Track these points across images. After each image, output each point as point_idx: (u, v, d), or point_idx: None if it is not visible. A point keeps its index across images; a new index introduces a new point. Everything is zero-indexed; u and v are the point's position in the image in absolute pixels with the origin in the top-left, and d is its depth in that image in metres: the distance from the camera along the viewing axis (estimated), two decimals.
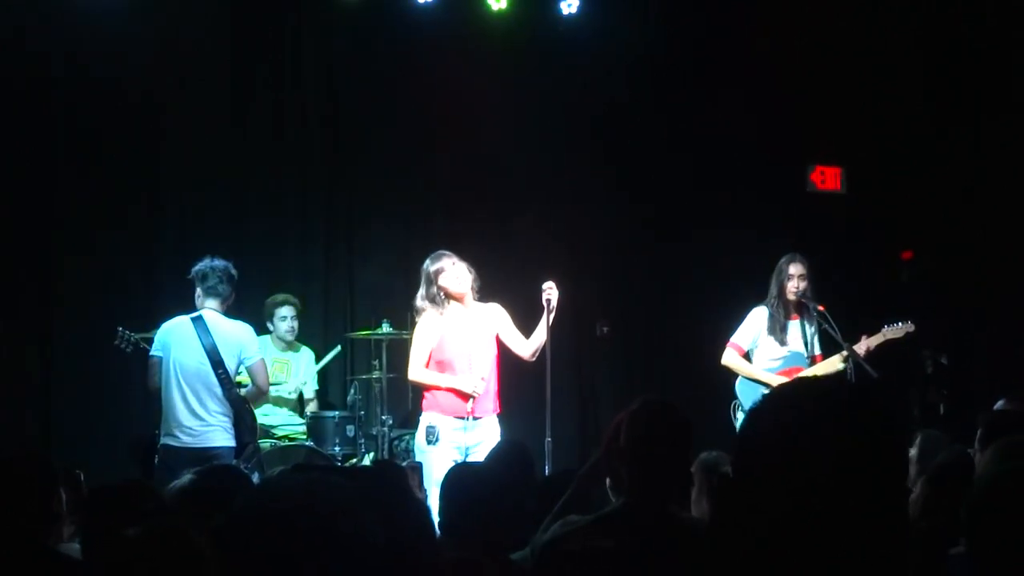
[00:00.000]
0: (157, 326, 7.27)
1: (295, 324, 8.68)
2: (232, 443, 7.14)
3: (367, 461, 7.95)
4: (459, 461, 6.62)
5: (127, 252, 8.84)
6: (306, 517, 1.56)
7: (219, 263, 7.21)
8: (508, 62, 9.60)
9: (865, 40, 9.72)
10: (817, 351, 7.95)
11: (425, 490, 5.89)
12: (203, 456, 6.63)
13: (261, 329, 8.29)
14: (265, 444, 7.87)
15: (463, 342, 7.18)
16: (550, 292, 7.19)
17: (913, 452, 5.54)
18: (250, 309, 8.17)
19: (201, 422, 7.06)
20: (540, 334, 7.25)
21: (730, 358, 7.95)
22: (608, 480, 3.91)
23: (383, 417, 8.04)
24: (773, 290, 7.90)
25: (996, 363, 9.22)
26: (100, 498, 3.73)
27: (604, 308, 9.62)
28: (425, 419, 7.13)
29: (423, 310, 7.20)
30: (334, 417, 8.35)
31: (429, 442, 7.01)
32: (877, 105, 9.80)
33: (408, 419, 8.20)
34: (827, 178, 10.12)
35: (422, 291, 7.21)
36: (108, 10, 8.64)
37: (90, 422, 8.52)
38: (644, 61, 9.78)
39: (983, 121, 9.76)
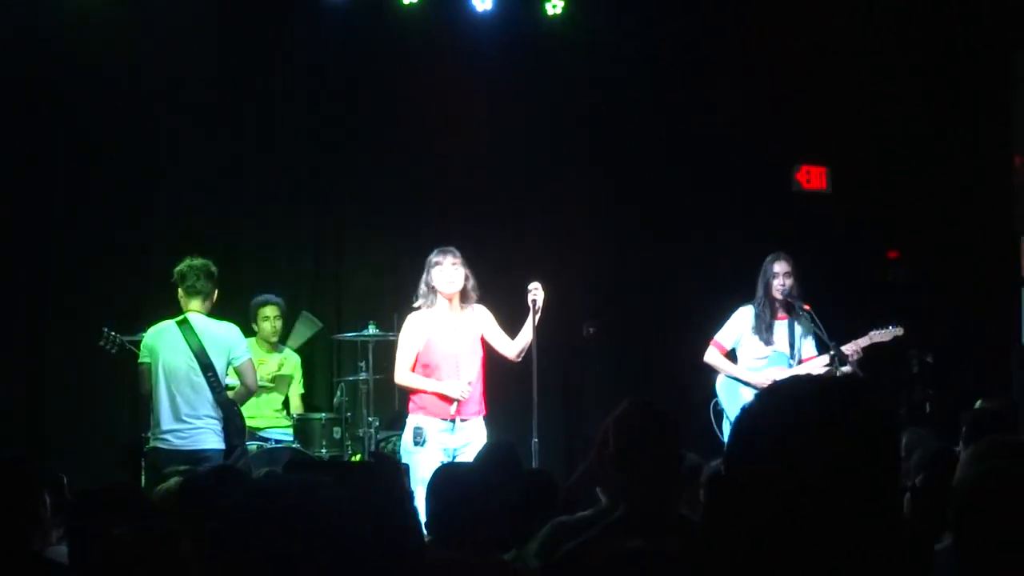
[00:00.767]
0: (145, 329, 7.26)
1: (278, 324, 8.68)
2: (222, 445, 7.13)
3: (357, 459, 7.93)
4: (445, 463, 6.62)
5: (115, 254, 8.83)
6: (303, 517, 1.56)
7: (198, 261, 7.20)
8: (494, 63, 9.60)
9: (851, 40, 9.74)
10: (808, 352, 7.94)
11: (412, 491, 5.89)
12: (192, 458, 6.63)
13: (247, 331, 8.28)
14: (252, 446, 7.86)
15: (449, 345, 7.19)
16: (536, 293, 7.21)
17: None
18: (238, 311, 8.16)
19: (190, 425, 7.05)
20: (526, 334, 7.27)
21: (712, 356, 7.96)
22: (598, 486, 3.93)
23: (370, 419, 8.03)
24: (759, 290, 7.91)
25: (982, 362, 9.25)
26: (87, 501, 3.72)
27: (590, 309, 9.62)
28: (411, 421, 7.14)
29: (416, 301, 7.22)
30: (320, 419, 8.34)
31: (416, 444, 7.02)
32: (863, 104, 9.82)
33: (395, 421, 8.20)
34: (812, 177, 10.13)
35: (422, 279, 7.25)
36: (96, 11, 8.63)
37: (78, 426, 8.51)
38: (628, 62, 9.78)
39: (975, 121, 9.78)
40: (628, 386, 9.20)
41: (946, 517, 3.58)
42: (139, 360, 7.17)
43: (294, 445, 8.16)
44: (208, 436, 7.08)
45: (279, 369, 8.72)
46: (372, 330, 8.11)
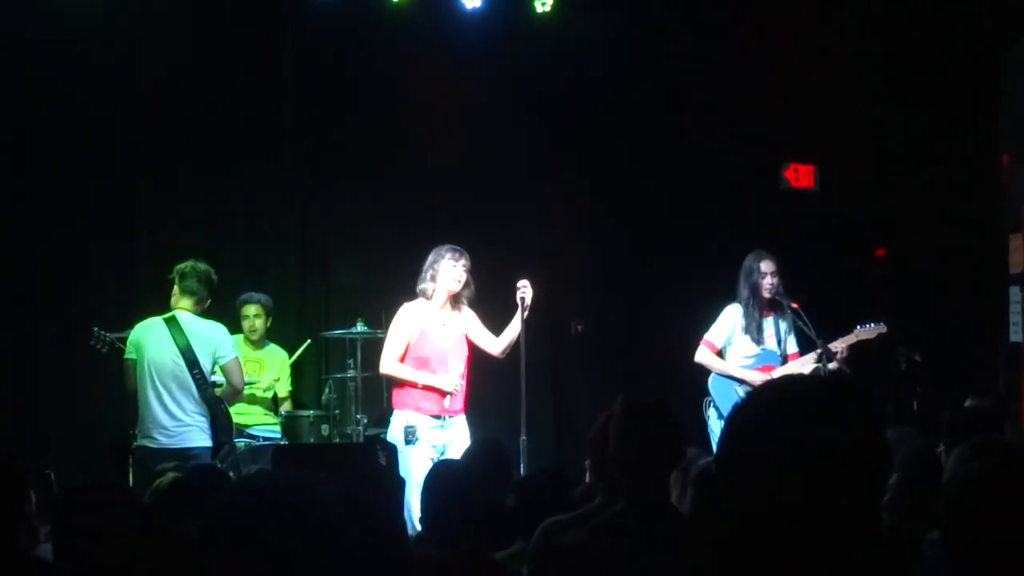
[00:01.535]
0: (133, 327, 7.25)
1: (258, 323, 8.66)
2: (209, 443, 7.13)
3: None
4: (435, 460, 6.62)
5: (104, 253, 8.85)
6: (294, 515, 1.55)
7: (202, 266, 7.27)
8: (483, 61, 9.59)
9: (840, 38, 9.75)
10: (792, 349, 7.98)
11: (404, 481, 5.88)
12: (180, 456, 6.62)
13: (234, 329, 8.28)
14: (240, 444, 7.85)
15: (440, 340, 7.21)
16: (524, 290, 7.23)
17: None
18: (226, 308, 8.15)
19: (178, 422, 7.05)
20: (512, 331, 7.29)
21: (703, 355, 7.97)
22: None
23: (358, 416, 8.02)
24: (744, 291, 7.90)
25: (970, 360, 9.26)
26: (72, 498, 3.70)
27: (579, 306, 9.62)
28: (400, 417, 7.14)
29: (419, 287, 7.25)
30: (309, 416, 8.33)
31: (408, 442, 7.01)
32: (851, 103, 9.82)
33: (383, 418, 8.18)
34: (800, 175, 10.14)
35: (427, 266, 7.28)
36: (81, 11, 8.59)
37: (65, 423, 8.50)
38: (616, 60, 9.78)
39: (964, 119, 9.79)
40: (616, 383, 9.17)
41: (929, 514, 3.60)
42: (125, 356, 7.16)
43: (282, 443, 8.15)
44: (195, 434, 7.08)
45: (265, 367, 8.70)
46: (360, 327, 8.10)
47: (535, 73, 9.69)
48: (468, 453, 5.77)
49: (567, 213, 9.74)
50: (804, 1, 9.73)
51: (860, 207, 9.78)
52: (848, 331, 7.89)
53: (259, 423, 8.49)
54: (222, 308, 7.91)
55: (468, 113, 9.43)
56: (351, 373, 8.20)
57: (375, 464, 3.82)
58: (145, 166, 9.00)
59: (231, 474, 6.44)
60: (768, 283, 7.83)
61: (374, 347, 7.84)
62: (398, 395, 7.23)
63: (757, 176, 9.99)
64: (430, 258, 7.29)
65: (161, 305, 7.32)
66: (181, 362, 7.08)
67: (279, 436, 8.30)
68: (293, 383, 8.96)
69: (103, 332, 7.48)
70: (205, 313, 7.31)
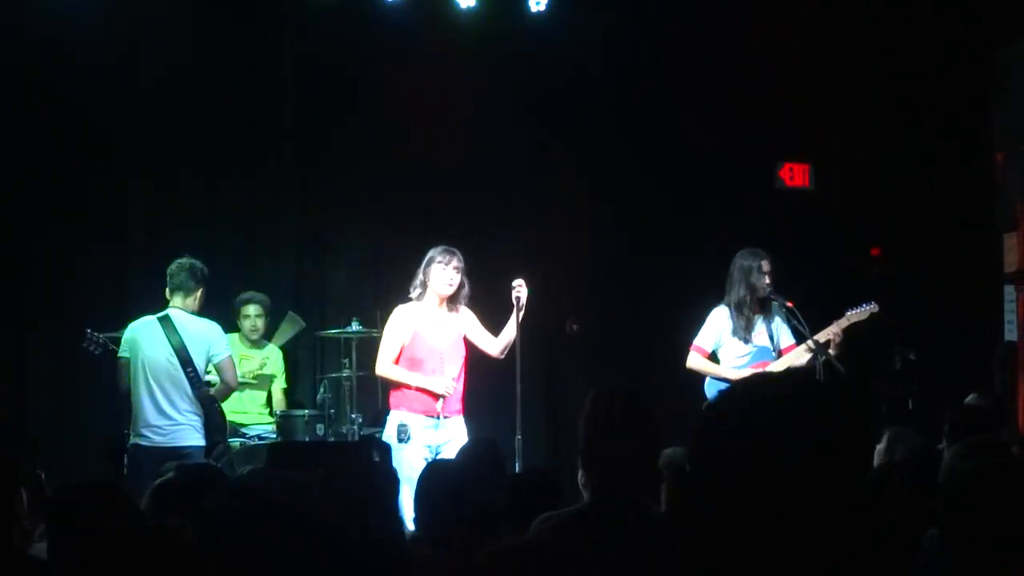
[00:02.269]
0: (126, 326, 7.26)
1: (258, 323, 8.67)
2: (202, 442, 7.14)
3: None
4: (429, 459, 6.62)
5: (98, 253, 8.85)
6: (290, 515, 1.55)
7: (187, 260, 7.31)
8: (478, 61, 9.58)
9: (834, 37, 9.75)
10: (786, 342, 7.93)
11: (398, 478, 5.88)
12: (174, 455, 6.63)
13: (231, 327, 8.28)
14: (235, 443, 7.85)
15: (435, 341, 7.22)
16: (519, 290, 7.23)
17: (881, 447, 5.57)
18: (222, 309, 8.15)
19: (171, 421, 7.06)
20: (509, 331, 7.29)
21: (695, 361, 7.94)
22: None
23: (353, 415, 8.02)
24: (741, 290, 7.86)
25: (965, 359, 9.26)
26: (66, 497, 3.69)
27: (574, 306, 9.61)
28: (394, 417, 7.15)
29: (411, 291, 7.24)
30: (304, 416, 8.32)
31: (401, 440, 7.02)
32: (846, 102, 9.82)
33: (378, 418, 8.18)
34: (796, 175, 10.14)
35: (419, 270, 7.29)
36: (77, 10, 8.58)
37: (60, 423, 8.50)
38: (612, 59, 9.77)
39: (958, 118, 9.80)
40: (613, 383, 9.19)
41: (927, 514, 3.59)
42: (118, 354, 7.17)
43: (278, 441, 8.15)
44: (189, 433, 7.09)
45: (262, 367, 8.70)
46: (355, 327, 8.09)
47: (534, 73, 9.67)
48: (462, 452, 5.77)
49: (565, 213, 9.73)
50: (801, 1, 9.72)
51: (855, 206, 9.78)
52: (838, 316, 7.87)
53: (254, 422, 8.48)
54: (218, 308, 7.91)
55: (463, 113, 9.41)
56: (346, 372, 8.20)
57: (370, 462, 3.82)
58: (144, 166, 9.00)
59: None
60: (766, 282, 7.82)
61: (369, 346, 7.84)
62: (394, 395, 7.25)
63: (752, 175, 9.99)
64: (424, 260, 7.29)
65: (155, 305, 7.35)
66: (175, 361, 7.09)
67: (274, 435, 8.29)
68: (288, 382, 8.95)
69: (95, 333, 7.49)
70: (202, 313, 7.32)
